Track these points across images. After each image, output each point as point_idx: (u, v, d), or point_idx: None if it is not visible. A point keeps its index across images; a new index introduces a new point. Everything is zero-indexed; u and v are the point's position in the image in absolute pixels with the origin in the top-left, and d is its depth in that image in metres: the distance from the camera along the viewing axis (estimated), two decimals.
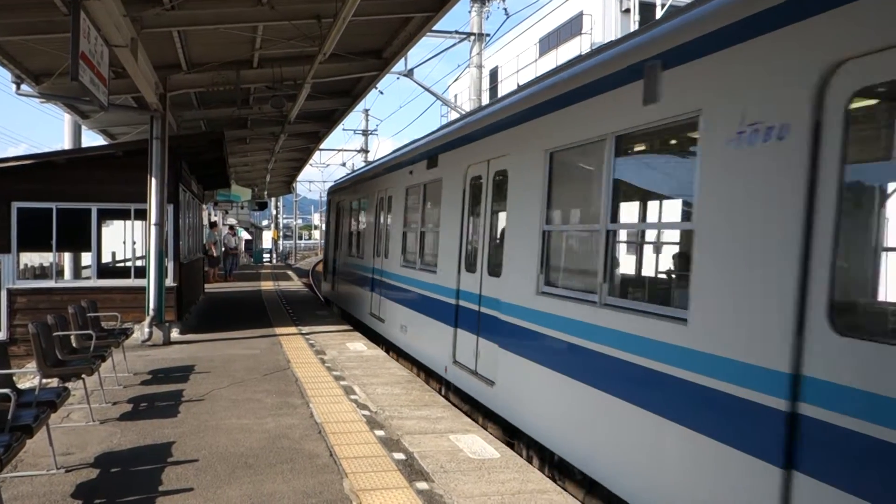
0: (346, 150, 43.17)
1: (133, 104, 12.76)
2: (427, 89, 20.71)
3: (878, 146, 3.44)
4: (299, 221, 73.63)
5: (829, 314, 3.17)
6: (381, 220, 12.63)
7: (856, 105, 3.16)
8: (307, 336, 12.26)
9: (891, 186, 3.61)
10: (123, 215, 12.45)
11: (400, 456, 5.77)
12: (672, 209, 5.50)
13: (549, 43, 31.58)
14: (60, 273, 12.79)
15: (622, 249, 6.05)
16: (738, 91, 3.79)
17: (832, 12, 3.23)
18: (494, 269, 7.15)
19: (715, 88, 3.98)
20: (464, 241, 8.16)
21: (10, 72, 10.25)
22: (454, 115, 21.92)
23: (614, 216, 5.09)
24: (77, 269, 13.58)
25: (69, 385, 6.35)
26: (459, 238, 8.23)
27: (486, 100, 18.95)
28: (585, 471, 5.21)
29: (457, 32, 19.22)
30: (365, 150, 40.52)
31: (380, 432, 6.44)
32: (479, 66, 18.79)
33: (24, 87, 10.70)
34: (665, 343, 4.28)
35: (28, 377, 9.27)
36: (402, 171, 11.31)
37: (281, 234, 56.22)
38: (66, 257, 13.59)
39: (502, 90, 30.97)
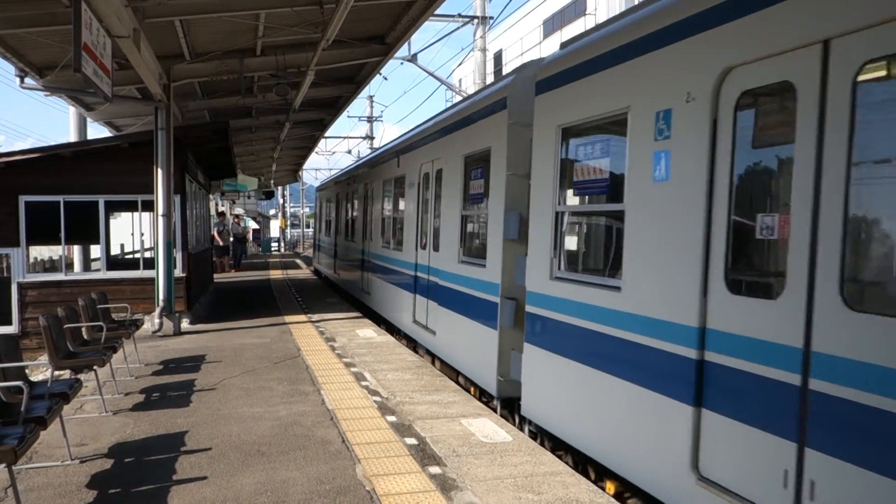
0: (351, 138, 42.68)
1: (137, 95, 12.72)
2: (431, 74, 20.60)
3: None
4: (306, 210, 73.49)
5: (431, 245, 9.36)
6: (336, 211, 20.20)
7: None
8: (317, 324, 12.29)
9: (466, 197, 8.27)
10: (131, 207, 12.47)
11: (412, 441, 5.79)
12: (405, 210, 11.16)
13: (553, 24, 31.33)
14: (70, 266, 12.85)
15: (394, 226, 11.93)
16: (411, 169, 10.45)
17: (430, 145, 9.63)
18: (368, 235, 14.36)
19: (406, 166, 10.77)
20: (361, 220, 15.29)
21: (13, 65, 10.21)
22: (458, 99, 21.80)
23: (391, 211, 12.10)
24: (86, 262, 13.64)
25: (81, 377, 6.39)
26: (364, 219, 15.25)
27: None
28: (395, 323, 11.60)
29: (460, 16, 19.06)
30: (370, 137, 40.26)
31: (391, 418, 6.46)
32: (483, 50, 18.66)
33: (27, 80, 10.67)
34: (407, 261, 10.69)
35: (40, 369, 9.35)
36: (344, 181, 18.91)
37: (288, 222, 56.34)
38: (76, 250, 13.63)
39: (506, 71, 30.73)
